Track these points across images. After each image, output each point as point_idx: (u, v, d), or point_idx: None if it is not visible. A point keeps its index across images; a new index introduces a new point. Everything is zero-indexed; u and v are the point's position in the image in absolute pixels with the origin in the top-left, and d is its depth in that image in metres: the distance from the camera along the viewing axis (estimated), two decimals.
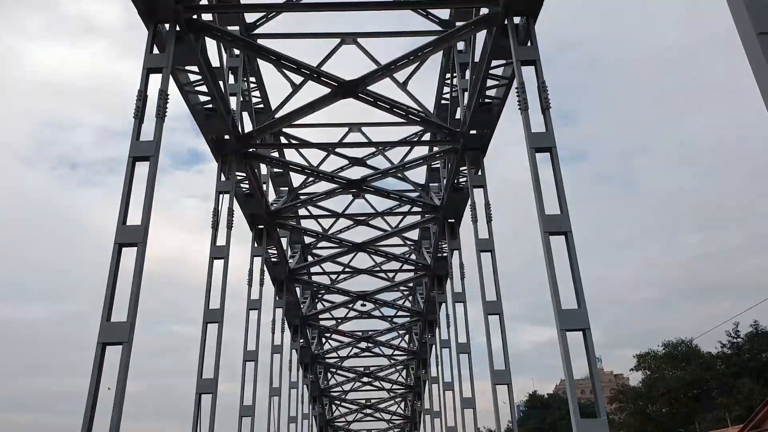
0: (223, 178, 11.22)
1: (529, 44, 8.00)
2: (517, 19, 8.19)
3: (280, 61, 9.50)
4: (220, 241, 10.45)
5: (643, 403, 43.88)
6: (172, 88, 9.23)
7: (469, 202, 11.72)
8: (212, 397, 8.90)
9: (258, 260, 14.40)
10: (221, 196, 11.01)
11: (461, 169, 12.98)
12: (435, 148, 13.81)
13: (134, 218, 6.58)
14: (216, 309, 9.70)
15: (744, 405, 34.18)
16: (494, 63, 9.46)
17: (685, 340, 45.38)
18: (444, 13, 11.68)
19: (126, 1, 7.53)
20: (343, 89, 10.10)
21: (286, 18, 11.37)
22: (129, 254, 6.42)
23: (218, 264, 10.23)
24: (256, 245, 14.48)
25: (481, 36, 10.13)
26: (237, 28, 10.66)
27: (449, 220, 15.86)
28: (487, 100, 10.71)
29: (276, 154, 14.32)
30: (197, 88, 9.74)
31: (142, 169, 6.83)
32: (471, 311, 13.97)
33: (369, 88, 10.45)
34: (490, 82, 10.14)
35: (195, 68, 9.00)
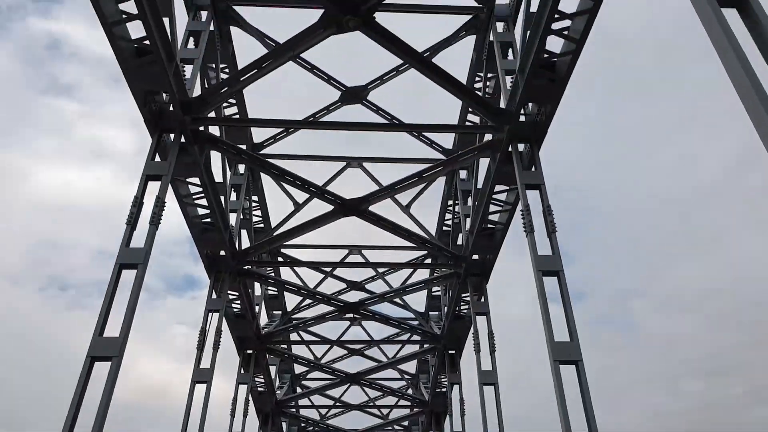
0: (214, 296, 10.77)
1: (533, 169, 7.98)
2: (521, 146, 8.26)
3: (284, 176, 9.43)
4: (205, 363, 9.77)
5: None
6: (171, 199, 9.17)
7: (472, 330, 11.18)
8: None
9: (243, 388, 13.47)
10: (210, 314, 10.49)
11: (463, 295, 12.59)
12: (436, 273, 13.48)
13: (113, 330, 6.08)
14: None
15: None
16: (497, 188, 9.42)
17: None
18: (447, 141, 12.02)
19: (140, 127, 7.59)
20: (344, 207, 9.99)
21: (292, 139, 11.64)
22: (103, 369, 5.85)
23: (200, 388, 9.47)
24: (243, 371, 13.62)
25: (483, 161, 10.28)
26: (244, 146, 10.84)
27: (449, 351, 15.12)
28: (489, 226, 10.58)
29: (271, 273, 13.98)
30: (197, 201, 9.62)
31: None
32: None
33: (371, 209, 10.40)
34: (492, 207, 10.06)
35: (196, 180, 8.92)
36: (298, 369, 19.69)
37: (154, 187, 7.46)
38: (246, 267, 11.59)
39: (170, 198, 9.25)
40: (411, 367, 20.34)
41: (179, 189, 9.11)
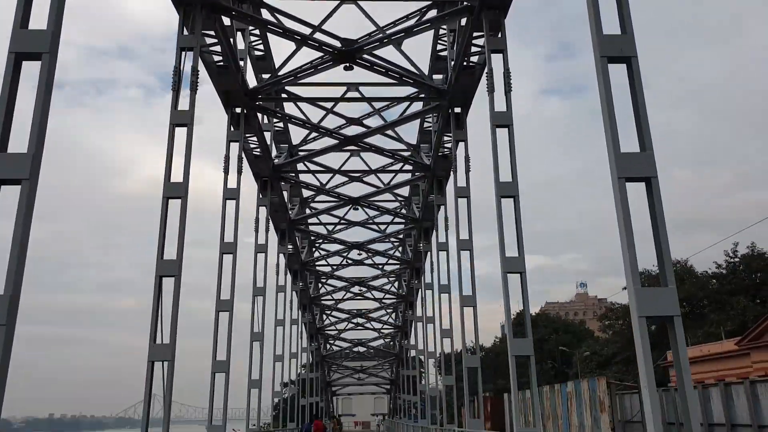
0: (185, 33, 9.24)
1: None
2: None
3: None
4: (183, 105, 8.66)
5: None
6: None
7: (486, 70, 9.87)
8: (175, 281, 7.42)
9: (235, 147, 12.63)
10: (183, 53, 9.08)
11: (475, 38, 11.10)
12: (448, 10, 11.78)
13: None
14: (179, 182, 8.04)
15: (737, 321, 33.88)
16: None
17: (681, 260, 44.60)
18: None
19: None
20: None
21: None
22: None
23: (181, 132, 8.51)
24: (232, 129, 12.66)
25: None
26: None
27: (455, 109, 14.09)
28: None
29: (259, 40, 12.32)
30: None
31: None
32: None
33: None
34: None
35: None
36: (296, 136, 18.95)
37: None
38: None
39: None
40: (411, 138, 19.72)
41: None
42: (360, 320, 35.71)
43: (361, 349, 43.09)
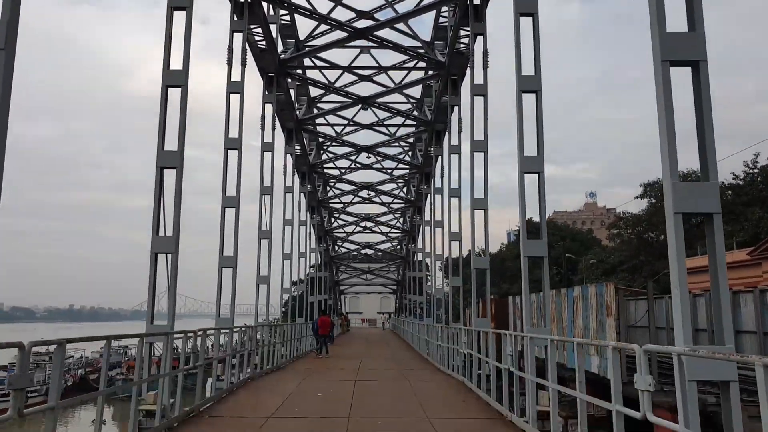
0: None
1: None
2: None
3: None
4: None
5: (642, 228, 43.81)
6: None
7: None
8: (177, 172, 7.12)
9: (238, 39, 11.91)
10: None
11: None
12: None
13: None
14: (178, 70, 7.55)
15: (750, 232, 33.71)
16: None
17: (696, 171, 43.81)
18: None
19: None
20: None
21: None
22: None
23: (179, 18, 7.89)
24: (235, 19, 11.88)
25: None
26: None
27: (474, 1, 13.14)
28: None
29: None
30: None
31: None
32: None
33: None
34: None
35: None
36: (303, 32, 18.01)
37: None
38: None
39: None
40: (425, 36, 18.67)
41: None
42: (368, 224, 36.10)
43: (369, 251, 43.90)
